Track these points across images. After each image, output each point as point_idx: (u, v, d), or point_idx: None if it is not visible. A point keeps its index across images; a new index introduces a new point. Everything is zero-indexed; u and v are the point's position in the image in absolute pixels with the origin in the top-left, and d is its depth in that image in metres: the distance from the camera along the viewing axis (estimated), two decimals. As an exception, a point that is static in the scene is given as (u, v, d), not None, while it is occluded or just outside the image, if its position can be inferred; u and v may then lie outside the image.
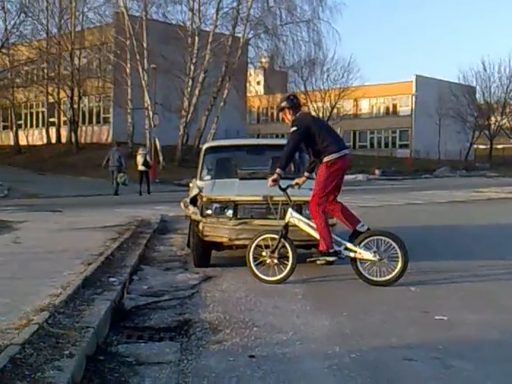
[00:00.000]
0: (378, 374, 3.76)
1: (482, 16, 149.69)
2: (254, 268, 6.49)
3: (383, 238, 6.27)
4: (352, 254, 6.30)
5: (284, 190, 6.52)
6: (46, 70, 39.98)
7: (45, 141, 41.87)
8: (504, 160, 50.58)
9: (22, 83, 39.79)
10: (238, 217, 6.97)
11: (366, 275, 6.26)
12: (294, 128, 6.42)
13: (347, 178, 7.09)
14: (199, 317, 5.09)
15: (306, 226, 6.48)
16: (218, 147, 9.34)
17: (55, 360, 3.55)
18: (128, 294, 5.82)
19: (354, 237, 6.41)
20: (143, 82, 33.68)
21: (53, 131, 41.67)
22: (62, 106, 40.23)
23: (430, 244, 9.22)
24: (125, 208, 15.15)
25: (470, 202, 18.36)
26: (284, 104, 6.71)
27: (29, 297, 5.06)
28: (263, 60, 39.13)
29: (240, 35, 35.12)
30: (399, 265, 6.15)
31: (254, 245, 6.53)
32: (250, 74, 45.49)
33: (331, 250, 6.31)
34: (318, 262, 6.44)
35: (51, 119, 41.97)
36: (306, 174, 6.94)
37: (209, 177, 8.30)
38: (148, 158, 22.53)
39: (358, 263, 6.29)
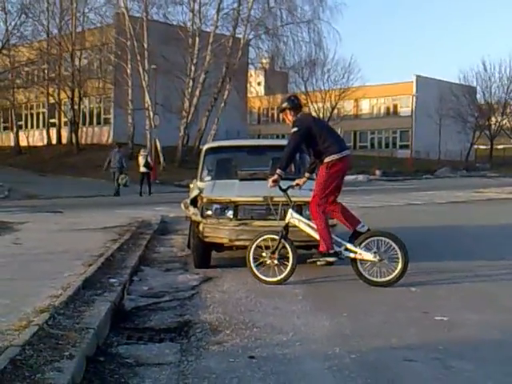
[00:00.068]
0: (378, 375, 3.76)
1: (482, 16, 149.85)
2: (255, 269, 6.49)
3: (383, 238, 6.27)
4: (352, 255, 6.30)
5: (284, 190, 6.52)
6: (46, 71, 40.05)
7: (45, 142, 41.93)
8: (504, 160, 50.60)
9: (22, 84, 39.85)
10: (239, 218, 6.97)
11: (367, 276, 6.26)
12: (295, 129, 6.43)
13: (347, 178, 7.09)
14: (199, 318, 5.09)
15: (306, 227, 6.48)
16: (218, 148, 9.33)
17: (55, 361, 3.55)
18: (128, 295, 5.82)
19: (355, 237, 6.41)
20: (144, 83, 33.69)
21: (53, 132, 41.70)
22: (62, 107, 40.25)
23: (431, 244, 9.22)
24: (125, 209, 15.15)
25: (470, 203, 18.36)
26: (285, 105, 6.72)
27: (29, 298, 5.06)
28: (264, 61, 39.11)
29: (241, 36, 35.15)
30: (399, 265, 6.14)
31: (254, 245, 6.53)
32: (251, 75, 45.52)
33: (331, 251, 6.31)
34: (319, 262, 6.43)
35: (52, 120, 42.02)
36: (307, 174, 6.94)
37: (209, 178, 8.30)
38: (149, 160, 22.55)
39: (359, 264, 6.29)
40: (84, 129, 41.09)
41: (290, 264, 6.36)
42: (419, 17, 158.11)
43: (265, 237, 6.54)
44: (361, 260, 6.27)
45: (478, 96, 54.46)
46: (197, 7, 34.44)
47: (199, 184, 8.15)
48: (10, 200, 20.12)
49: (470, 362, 3.97)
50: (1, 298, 5.04)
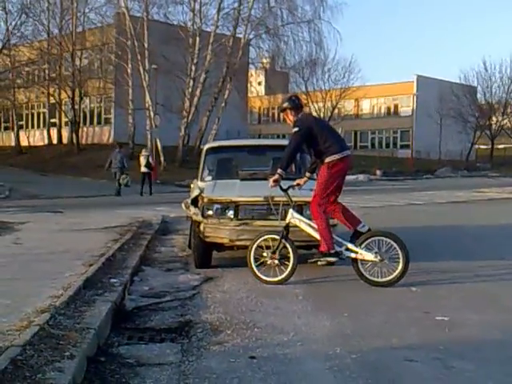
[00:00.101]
0: (378, 375, 3.76)
1: (483, 16, 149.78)
2: (255, 269, 6.49)
3: (384, 238, 6.27)
4: (353, 255, 6.30)
5: (285, 190, 6.51)
6: (47, 71, 40.08)
7: (46, 141, 41.99)
8: (505, 160, 50.61)
9: (23, 84, 39.90)
10: (239, 217, 6.97)
11: (367, 276, 6.26)
12: (296, 129, 6.43)
13: (348, 178, 7.09)
14: (200, 318, 5.09)
15: (306, 227, 6.48)
16: (219, 148, 9.33)
17: (56, 361, 3.55)
18: (129, 295, 5.82)
19: (355, 237, 6.41)
20: (144, 83, 33.69)
21: (54, 132, 41.74)
22: (63, 107, 40.28)
23: (431, 244, 9.22)
24: (126, 209, 15.14)
25: (471, 203, 18.35)
26: (286, 105, 6.71)
27: (30, 298, 5.06)
28: (264, 60, 39.12)
29: (241, 36, 35.15)
30: (400, 265, 6.14)
31: (254, 245, 6.53)
32: (251, 75, 45.51)
33: (332, 251, 6.31)
34: (319, 262, 6.43)
35: (52, 120, 42.07)
36: (308, 174, 6.94)
37: (210, 177, 8.30)
38: (150, 160, 22.55)
39: (359, 264, 6.29)
40: (85, 129, 41.12)
41: (290, 264, 6.36)
42: (420, 16, 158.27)
43: (265, 237, 6.53)
44: (362, 260, 6.27)
45: (478, 96, 54.51)
46: (197, 7, 34.48)
47: (200, 184, 8.15)
48: (10, 200, 20.13)
49: (471, 362, 3.96)
50: (1, 298, 5.04)
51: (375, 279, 6.23)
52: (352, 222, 6.48)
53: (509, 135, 54.51)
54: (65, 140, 40.85)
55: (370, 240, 6.28)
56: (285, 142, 7.20)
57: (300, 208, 6.70)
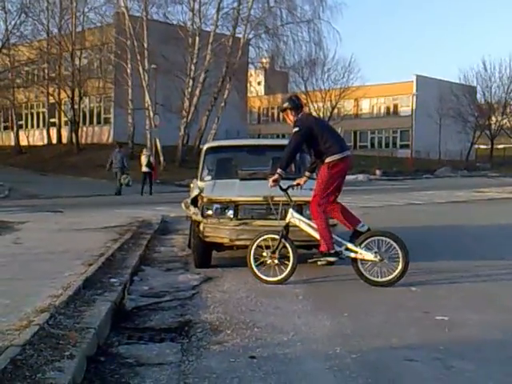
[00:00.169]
0: (378, 375, 3.75)
1: (483, 16, 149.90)
2: (255, 268, 6.48)
3: (384, 238, 6.27)
4: (353, 255, 6.30)
5: (285, 190, 6.51)
6: (46, 71, 40.08)
7: (45, 141, 41.98)
8: (505, 160, 50.65)
9: (22, 83, 39.87)
10: (239, 217, 6.96)
11: (367, 276, 6.26)
12: (296, 129, 6.42)
13: (348, 178, 7.08)
14: (200, 317, 5.08)
15: (306, 227, 6.47)
16: (218, 147, 9.33)
17: (56, 361, 3.55)
18: (129, 295, 5.81)
19: (355, 237, 6.41)
20: (144, 83, 33.69)
21: (53, 132, 41.74)
22: (62, 107, 40.27)
23: (431, 244, 9.22)
24: (126, 209, 15.15)
25: (470, 202, 18.35)
26: (286, 105, 6.71)
27: (29, 298, 5.05)
28: (264, 60, 39.13)
29: (241, 35, 35.16)
30: (400, 265, 6.14)
31: (254, 245, 6.53)
32: (251, 75, 45.52)
33: (332, 251, 6.31)
34: (319, 262, 6.43)
35: (52, 120, 42.06)
36: (307, 174, 6.94)
37: (209, 177, 8.30)
38: (151, 159, 22.55)
39: (359, 264, 6.29)
40: (84, 128, 41.11)
41: (290, 264, 6.36)
42: (419, 16, 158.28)
43: (265, 236, 6.53)
44: (361, 260, 6.27)
45: (478, 96, 54.52)
46: (197, 6, 34.47)
47: (199, 184, 8.15)
48: (10, 199, 20.13)
49: (471, 362, 3.96)
50: (1, 298, 5.04)
51: (375, 279, 6.23)
52: (351, 221, 6.48)
53: (508, 135, 54.54)
54: (64, 140, 40.85)
55: (369, 240, 6.29)
56: (284, 142, 7.19)
57: (300, 208, 6.70)
